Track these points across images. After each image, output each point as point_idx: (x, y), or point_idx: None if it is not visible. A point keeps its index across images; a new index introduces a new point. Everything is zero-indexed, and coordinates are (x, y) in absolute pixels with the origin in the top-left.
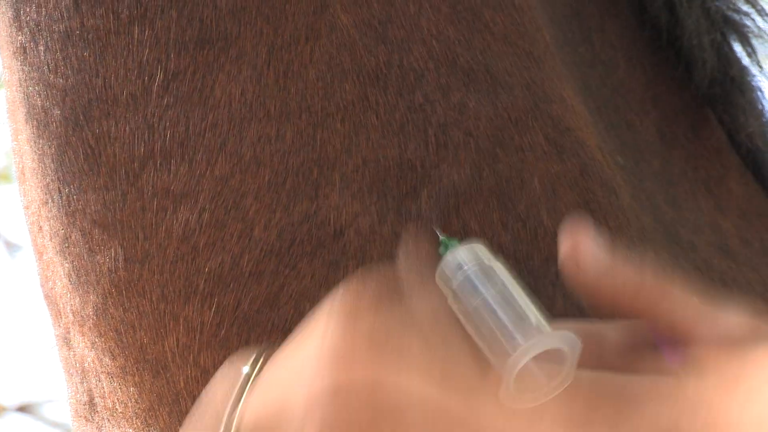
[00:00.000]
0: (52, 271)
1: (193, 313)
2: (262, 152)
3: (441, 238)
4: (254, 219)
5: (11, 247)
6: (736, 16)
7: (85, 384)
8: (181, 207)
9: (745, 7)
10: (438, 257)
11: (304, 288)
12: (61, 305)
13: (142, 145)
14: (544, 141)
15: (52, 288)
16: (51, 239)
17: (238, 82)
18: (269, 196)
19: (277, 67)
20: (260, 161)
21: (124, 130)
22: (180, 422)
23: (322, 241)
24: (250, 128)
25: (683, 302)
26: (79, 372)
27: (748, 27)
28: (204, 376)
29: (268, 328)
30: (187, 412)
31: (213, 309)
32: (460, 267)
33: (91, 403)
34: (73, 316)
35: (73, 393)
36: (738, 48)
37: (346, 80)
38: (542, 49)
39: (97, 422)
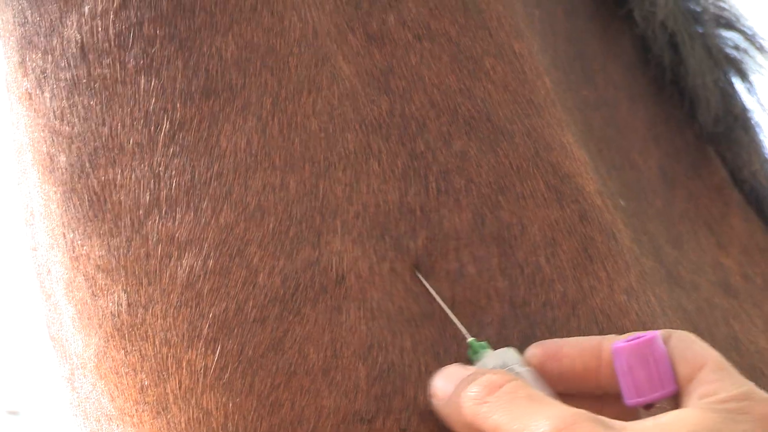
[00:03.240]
0: (58, 315)
1: (196, 357)
2: (267, 201)
3: (469, 340)
4: (258, 266)
5: None
6: (735, 53)
7: (87, 427)
8: (186, 254)
9: (744, 44)
10: (466, 359)
11: (307, 333)
12: (66, 348)
13: (148, 193)
14: (545, 188)
15: (58, 330)
16: (57, 283)
17: (244, 132)
18: (273, 244)
19: (281, 119)
20: (264, 210)
21: (130, 177)
22: None
23: (325, 286)
24: (255, 178)
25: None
26: (82, 414)
27: (747, 64)
28: (206, 418)
29: (273, 371)
30: None
31: (217, 353)
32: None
33: None
34: (77, 358)
35: None
36: (739, 85)
37: (348, 130)
38: (543, 96)
39: None
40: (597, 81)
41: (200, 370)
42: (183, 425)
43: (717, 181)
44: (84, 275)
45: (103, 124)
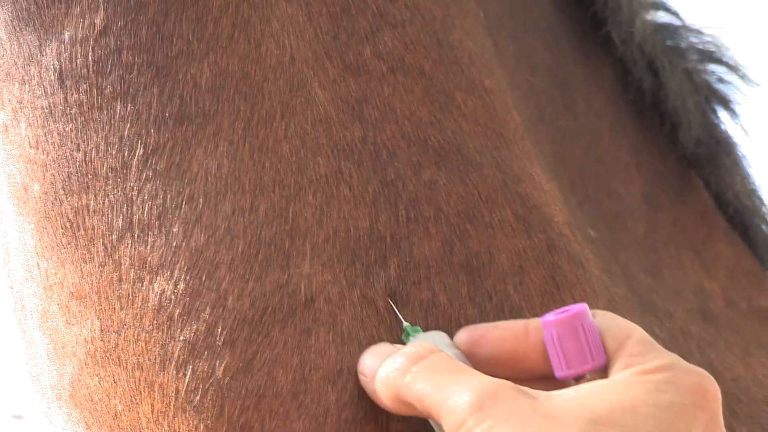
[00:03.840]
0: (33, 350)
1: (168, 380)
2: (236, 224)
3: (404, 325)
4: (228, 289)
5: None
6: (720, 85)
7: None
8: (158, 277)
9: (729, 76)
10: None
11: (276, 355)
12: (42, 382)
13: (121, 217)
14: (513, 218)
15: (34, 366)
16: (32, 316)
17: (215, 157)
18: (242, 267)
19: (252, 143)
20: (234, 233)
21: (103, 203)
22: None
23: (294, 309)
24: (225, 201)
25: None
26: None
27: (731, 93)
28: None
29: (243, 394)
30: None
31: (188, 376)
32: None
33: None
34: (52, 390)
35: None
36: (722, 112)
37: (320, 154)
38: (512, 131)
39: None
40: (577, 110)
41: (172, 393)
42: None
43: (701, 206)
44: (58, 304)
45: (78, 150)
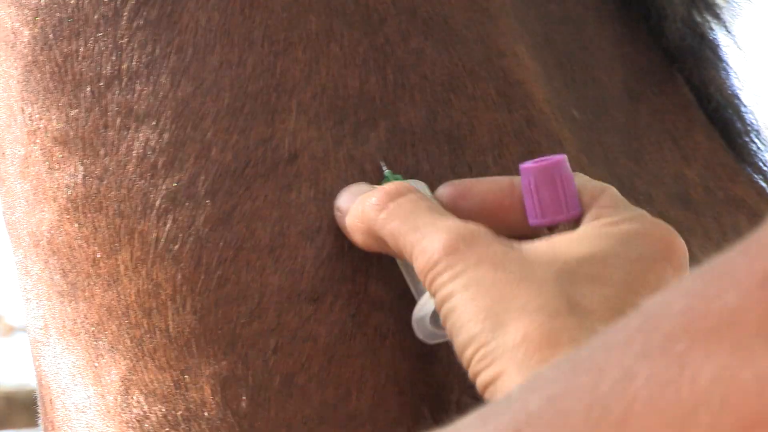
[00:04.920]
0: (12, 197)
1: (148, 228)
2: (223, 77)
3: (385, 172)
4: (212, 140)
5: None
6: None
7: (40, 310)
8: (143, 126)
9: None
10: None
11: (256, 208)
12: (20, 230)
13: (109, 64)
14: (494, 92)
15: (12, 214)
16: (12, 163)
17: (206, 9)
18: (227, 120)
19: None
20: (221, 86)
21: (93, 49)
22: (128, 334)
23: (276, 164)
24: (213, 54)
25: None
26: (35, 297)
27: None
28: (155, 289)
29: (221, 245)
30: (136, 324)
31: (168, 225)
32: None
33: (45, 327)
34: (29, 238)
35: (32, 320)
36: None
37: (312, 12)
38: (498, 6)
39: (51, 345)
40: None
41: (152, 241)
42: (133, 297)
43: (682, 99)
44: (41, 148)
45: None
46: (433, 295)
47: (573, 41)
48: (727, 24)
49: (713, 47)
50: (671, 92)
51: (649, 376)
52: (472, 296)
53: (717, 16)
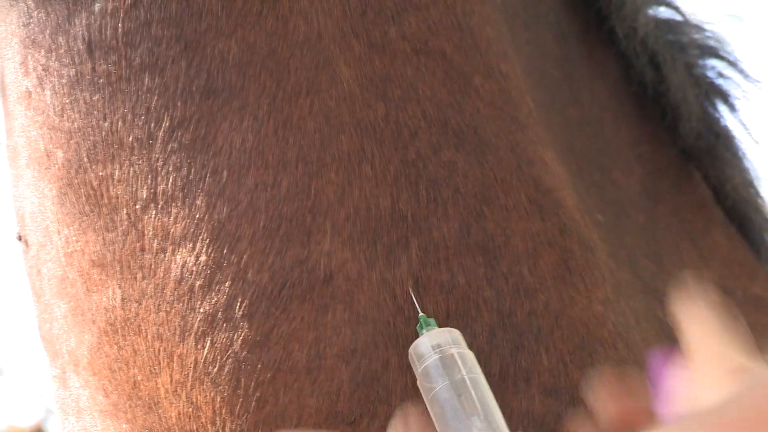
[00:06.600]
0: (49, 314)
1: (187, 351)
2: (258, 199)
3: (420, 315)
4: (248, 262)
5: None
6: (720, 81)
7: (80, 423)
8: (180, 249)
9: (728, 71)
10: (415, 333)
11: (293, 330)
12: (58, 346)
13: (145, 188)
14: (527, 201)
15: (49, 329)
16: (49, 281)
17: (240, 131)
18: (263, 241)
19: (277, 119)
20: (256, 207)
21: (128, 173)
22: None
23: (312, 285)
24: (249, 176)
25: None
26: (75, 411)
27: (730, 89)
28: (195, 412)
29: (258, 367)
30: None
31: (206, 348)
32: (431, 350)
33: None
34: (69, 356)
35: None
36: (722, 107)
37: (343, 132)
38: (526, 115)
39: None
40: (583, 100)
41: (190, 364)
42: (174, 420)
43: (699, 198)
44: (78, 271)
45: (104, 119)
46: None
47: (591, 145)
48: (741, 115)
49: (729, 144)
50: (689, 191)
51: None
52: None
53: (732, 107)
